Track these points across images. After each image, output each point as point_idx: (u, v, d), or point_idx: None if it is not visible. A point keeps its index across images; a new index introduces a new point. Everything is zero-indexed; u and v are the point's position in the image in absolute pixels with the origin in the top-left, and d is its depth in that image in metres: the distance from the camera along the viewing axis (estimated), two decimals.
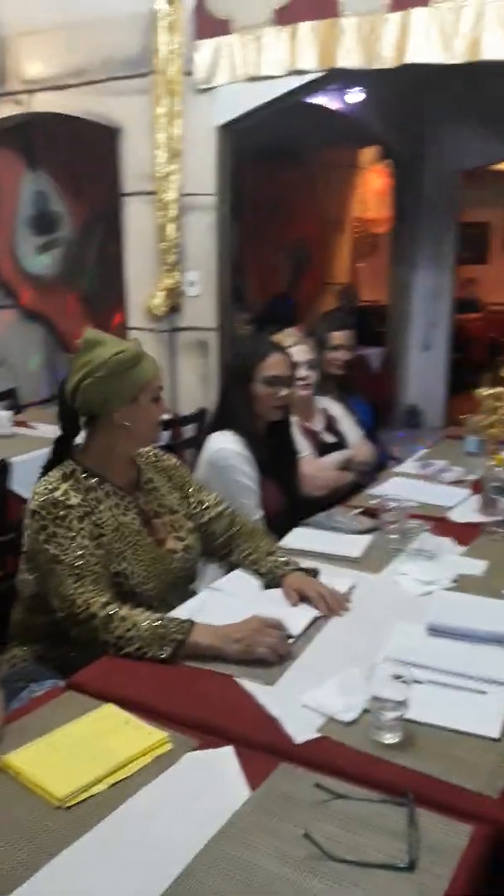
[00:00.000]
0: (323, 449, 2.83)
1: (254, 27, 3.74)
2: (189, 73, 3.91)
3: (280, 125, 4.14)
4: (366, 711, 1.39)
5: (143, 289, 4.19)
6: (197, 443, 2.94)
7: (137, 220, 4.17)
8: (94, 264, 6.20)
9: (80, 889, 1.04)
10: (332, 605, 1.78)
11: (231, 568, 2.03)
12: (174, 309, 4.13)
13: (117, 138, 4.15)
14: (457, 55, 3.35)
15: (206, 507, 2.02)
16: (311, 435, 2.84)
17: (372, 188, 9.65)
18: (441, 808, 1.17)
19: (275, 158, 7.16)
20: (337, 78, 3.96)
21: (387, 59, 3.47)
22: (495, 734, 1.35)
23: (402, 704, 1.33)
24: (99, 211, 6.05)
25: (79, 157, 5.40)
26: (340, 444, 2.92)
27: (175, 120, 3.92)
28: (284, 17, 3.68)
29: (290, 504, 2.44)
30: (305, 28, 3.63)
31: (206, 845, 1.11)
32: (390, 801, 1.19)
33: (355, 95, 5.57)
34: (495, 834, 1.14)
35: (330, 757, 1.30)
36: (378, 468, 3.11)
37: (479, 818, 1.16)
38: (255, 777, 1.25)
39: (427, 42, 3.37)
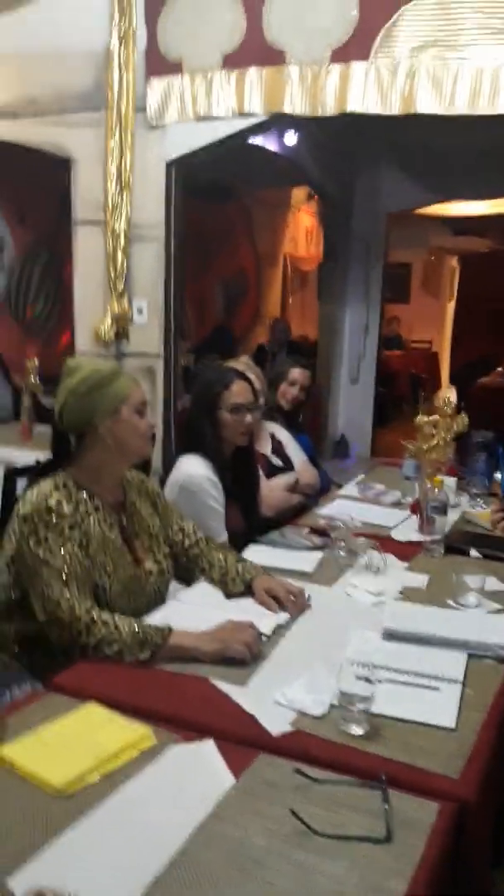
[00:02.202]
0: (271, 471, 2.96)
1: (203, 69, 3.91)
2: (141, 110, 4.05)
3: (217, 162, 4.31)
4: (333, 706, 1.50)
5: (91, 314, 4.26)
6: (143, 466, 3.02)
7: (87, 248, 4.26)
8: (36, 291, 6.23)
9: (83, 867, 1.11)
10: (298, 605, 1.93)
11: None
12: (121, 335, 4.21)
13: (69, 169, 4.25)
14: (393, 107, 3.58)
15: (187, 534, 2.12)
16: (260, 458, 2.96)
17: (302, 226, 9.98)
18: (410, 788, 1.29)
19: (211, 194, 7.36)
20: (280, 121, 4.16)
21: (329, 107, 3.68)
22: (451, 724, 1.49)
23: (367, 699, 1.45)
24: (42, 238, 6.10)
25: (22, 184, 5.45)
26: (287, 468, 3.06)
27: (126, 153, 4.05)
28: (232, 61, 3.86)
29: (248, 525, 2.56)
30: (252, 73, 3.82)
31: (198, 826, 1.19)
32: (365, 783, 1.30)
33: (291, 137, 5.81)
34: (459, 809, 1.27)
35: (304, 747, 1.41)
36: (320, 492, 3.26)
37: (443, 796, 1.28)
38: (237, 766, 1.34)
39: (366, 94, 3.60)
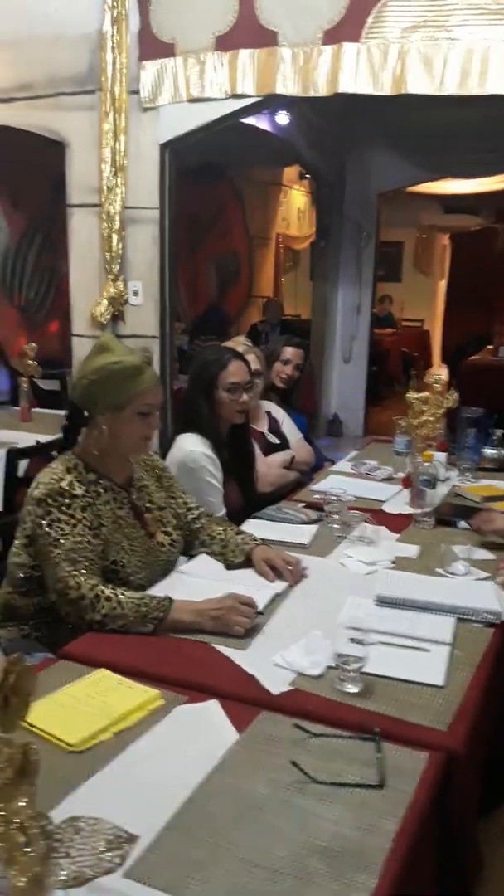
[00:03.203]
0: (268, 449, 3.04)
1: (196, 51, 3.94)
2: (134, 92, 4.08)
3: (209, 142, 4.35)
4: (330, 667, 1.59)
5: (87, 297, 4.32)
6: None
7: (82, 231, 4.30)
8: (31, 275, 6.26)
9: (99, 814, 1.19)
10: (295, 573, 2.02)
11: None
12: (117, 317, 4.27)
13: (64, 152, 4.28)
14: (384, 88, 3.63)
15: (190, 508, 2.21)
16: (258, 436, 3.04)
17: (294, 206, 9.99)
18: (401, 741, 1.38)
19: (204, 174, 7.38)
20: (273, 102, 4.20)
21: (321, 88, 3.73)
22: (440, 682, 1.58)
23: (361, 660, 1.54)
24: (37, 222, 6.12)
25: (16, 169, 5.47)
26: (283, 445, 3.13)
27: (120, 136, 4.08)
28: (225, 43, 3.90)
29: (246, 501, 2.64)
30: (245, 55, 3.85)
31: (204, 777, 1.28)
32: (359, 736, 1.39)
33: (283, 117, 5.84)
34: (447, 759, 1.36)
35: (303, 705, 1.49)
36: (314, 469, 3.34)
37: (432, 747, 1.37)
38: (240, 723, 1.43)
39: (358, 74, 3.64)
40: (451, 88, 3.47)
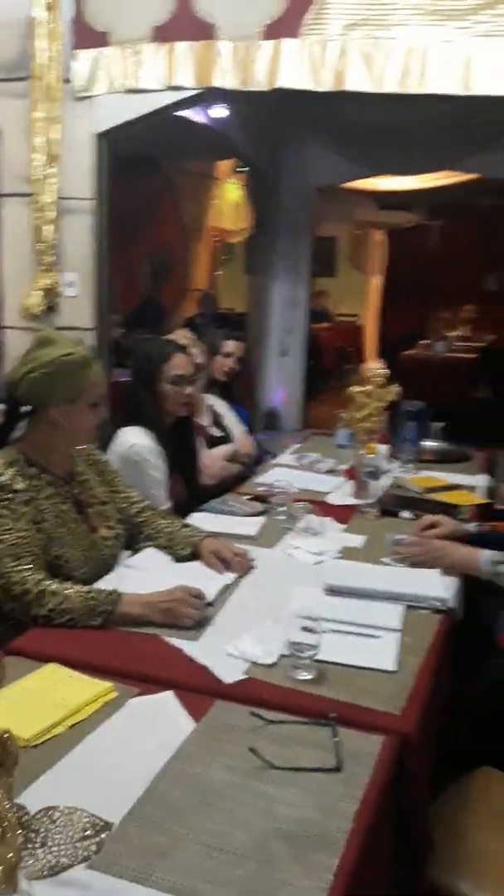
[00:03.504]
0: (211, 442, 3.04)
1: (132, 41, 3.89)
2: (68, 81, 4.00)
3: (142, 134, 4.30)
4: (283, 655, 1.61)
5: (19, 289, 4.22)
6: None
7: (14, 221, 4.20)
8: None
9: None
10: (243, 564, 2.04)
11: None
12: (52, 309, 4.19)
13: None
14: (324, 84, 3.65)
15: (134, 502, 2.18)
16: (200, 429, 3.04)
17: (228, 199, 9.98)
18: (356, 725, 1.41)
19: (136, 166, 7.30)
20: (213, 95, 4.19)
21: (260, 82, 3.72)
22: (391, 667, 1.61)
23: (314, 647, 1.56)
24: None
25: None
26: (226, 439, 3.14)
27: (54, 125, 4.00)
28: (162, 34, 3.85)
29: (190, 494, 2.64)
30: (182, 47, 3.82)
31: (163, 766, 1.28)
32: (315, 722, 1.41)
33: (219, 110, 5.82)
34: (400, 742, 1.39)
35: (258, 693, 1.51)
36: (256, 462, 3.36)
37: (386, 730, 1.40)
38: (195, 713, 1.43)
39: (297, 70, 3.65)
40: (391, 86, 3.51)
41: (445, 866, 1.49)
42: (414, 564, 2.12)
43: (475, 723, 1.94)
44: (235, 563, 2.03)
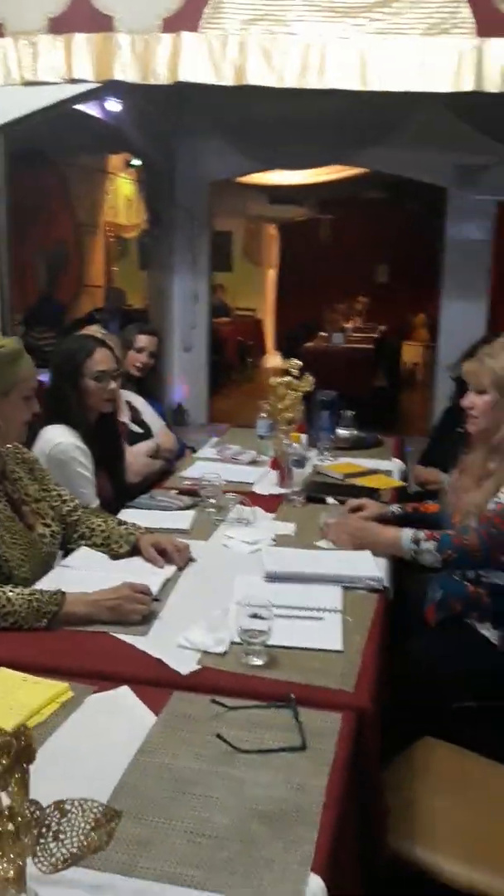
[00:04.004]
0: (131, 438, 3.02)
1: (27, 32, 3.80)
2: None
3: (32, 127, 4.20)
4: (233, 643, 1.63)
5: None
6: None
7: None
8: None
9: None
10: (184, 556, 2.05)
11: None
12: None
13: None
14: (225, 78, 3.67)
15: (65, 500, 2.15)
16: (120, 426, 3.01)
17: (121, 194, 9.87)
18: (314, 705, 1.45)
19: (26, 160, 7.11)
20: (113, 88, 4.14)
21: (161, 76, 3.72)
22: (339, 647, 1.67)
23: (264, 633, 1.60)
24: None
25: None
26: (146, 434, 3.13)
27: None
28: (59, 26, 3.78)
29: (117, 491, 2.61)
30: (80, 39, 3.77)
31: (131, 760, 1.29)
32: (275, 704, 1.44)
33: (113, 104, 5.75)
34: (357, 716, 1.44)
35: (214, 681, 1.53)
36: (177, 456, 3.36)
37: (344, 707, 1.45)
38: (155, 706, 1.44)
39: (198, 64, 3.66)
40: (291, 81, 3.57)
41: (400, 835, 1.55)
42: (340, 547, 2.18)
43: (409, 697, 2.02)
44: (176, 555, 2.03)
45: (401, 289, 11.71)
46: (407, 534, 2.11)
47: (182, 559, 2.04)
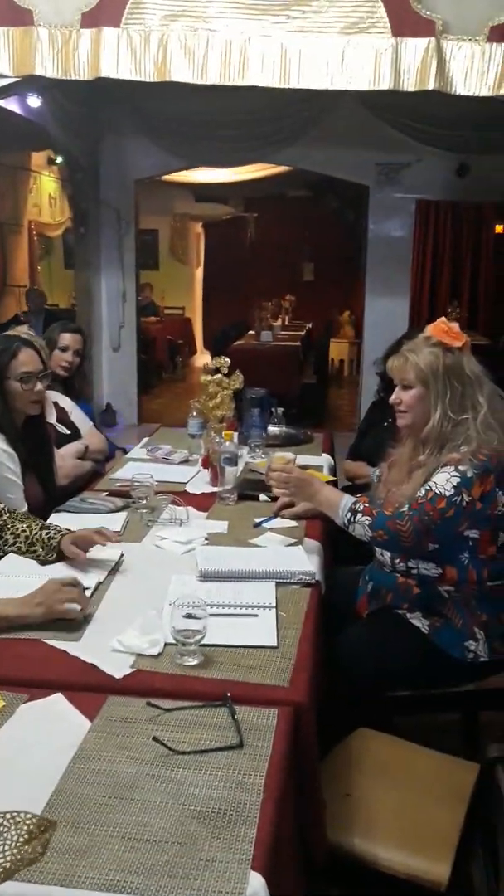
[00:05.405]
0: (59, 440, 2.96)
1: None
2: None
3: None
4: (168, 644, 1.62)
5: None
6: None
7: None
8: None
9: None
10: (109, 537, 2.02)
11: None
12: None
13: None
14: (147, 74, 3.63)
15: None
16: (48, 427, 2.95)
17: (44, 192, 9.70)
18: (250, 701, 1.45)
19: None
20: (33, 83, 4.05)
21: (83, 71, 3.65)
22: (273, 643, 1.67)
23: (198, 632, 1.59)
24: None
25: None
26: (75, 436, 3.07)
27: None
28: None
29: (48, 495, 2.56)
30: None
31: (67, 767, 1.26)
32: (211, 704, 1.44)
33: (34, 100, 5.64)
34: (293, 711, 1.45)
35: (149, 684, 1.51)
36: (107, 457, 3.31)
37: (279, 703, 1.46)
38: (89, 711, 1.42)
39: (119, 59, 3.61)
40: (213, 78, 3.56)
41: (338, 826, 1.57)
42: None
43: (344, 689, 2.04)
44: (101, 537, 2.00)
45: (326, 286, 11.83)
46: (347, 502, 2.11)
47: (107, 540, 2.01)
